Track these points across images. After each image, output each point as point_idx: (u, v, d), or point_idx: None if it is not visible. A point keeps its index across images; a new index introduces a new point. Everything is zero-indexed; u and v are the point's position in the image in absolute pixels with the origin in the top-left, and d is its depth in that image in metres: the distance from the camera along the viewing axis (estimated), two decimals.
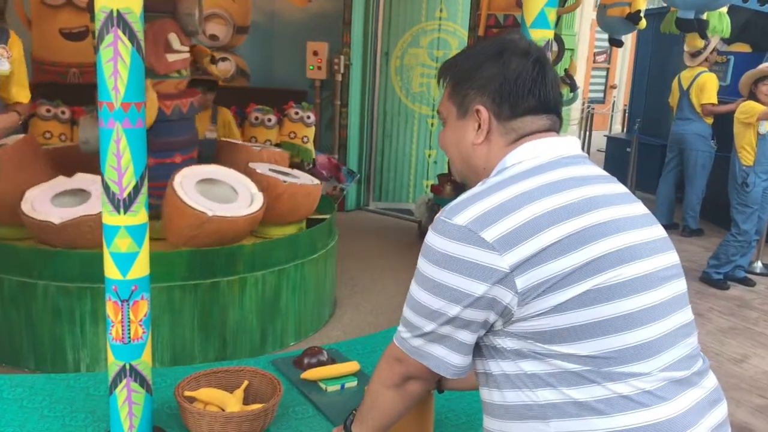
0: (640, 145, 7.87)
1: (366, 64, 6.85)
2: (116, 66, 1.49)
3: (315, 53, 6.48)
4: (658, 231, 1.26)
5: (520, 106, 1.26)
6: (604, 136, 10.99)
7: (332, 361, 2.23)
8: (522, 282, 1.11)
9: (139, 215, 1.59)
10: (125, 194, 1.56)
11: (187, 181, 3.23)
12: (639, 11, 3.37)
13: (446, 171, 6.53)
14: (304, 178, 3.81)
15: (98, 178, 3.31)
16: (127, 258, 1.60)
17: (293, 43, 6.50)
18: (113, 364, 1.66)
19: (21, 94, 3.36)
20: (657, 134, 8.48)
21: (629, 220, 1.21)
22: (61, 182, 3.33)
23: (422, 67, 6.96)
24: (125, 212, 1.57)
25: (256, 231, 3.46)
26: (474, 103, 1.29)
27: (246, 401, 1.87)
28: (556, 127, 1.29)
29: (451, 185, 5.38)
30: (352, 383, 2.08)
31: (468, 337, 1.19)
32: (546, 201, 1.15)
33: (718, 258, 5.28)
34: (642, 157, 7.91)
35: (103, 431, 1.80)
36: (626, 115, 11.98)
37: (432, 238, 1.18)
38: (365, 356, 2.31)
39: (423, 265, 1.20)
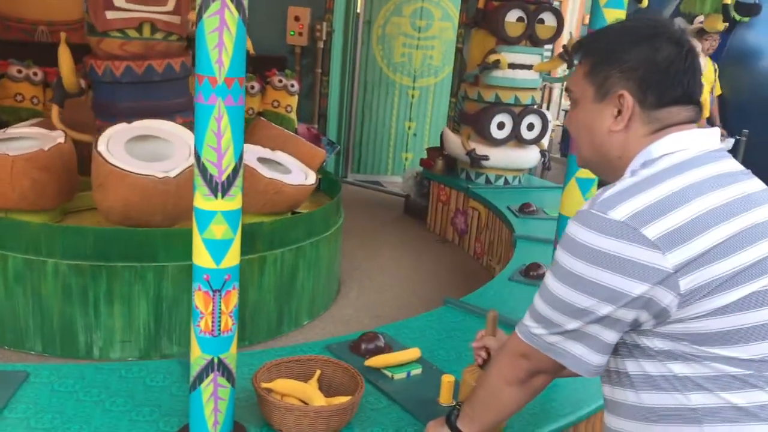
0: None
1: (348, 32, 6.67)
2: (221, 37, 1.35)
3: (297, 18, 6.26)
4: None
5: (667, 95, 1.19)
6: (563, 110, 11.08)
7: (389, 346, 2.16)
8: (686, 283, 1.05)
9: (236, 200, 1.48)
10: (224, 177, 1.44)
11: (114, 141, 3.04)
12: None
13: (437, 144, 6.47)
14: (297, 173, 3.56)
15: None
16: (222, 245, 1.49)
17: (272, 6, 6.26)
18: (200, 358, 1.55)
19: None
20: None
21: None
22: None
23: (404, 37, 6.82)
24: (223, 196, 1.45)
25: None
26: (617, 86, 1.21)
27: (322, 392, 1.78)
28: (698, 119, 1.23)
29: (443, 160, 5.32)
30: (417, 370, 2.03)
31: (613, 336, 1.14)
32: (708, 197, 1.10)
33: None
34: None
35: (175, 426, 1.69)
36: None
37: (579, 232, 1.11)
38: (416, 341, 2.26)
39: (566, 259, 1.13)
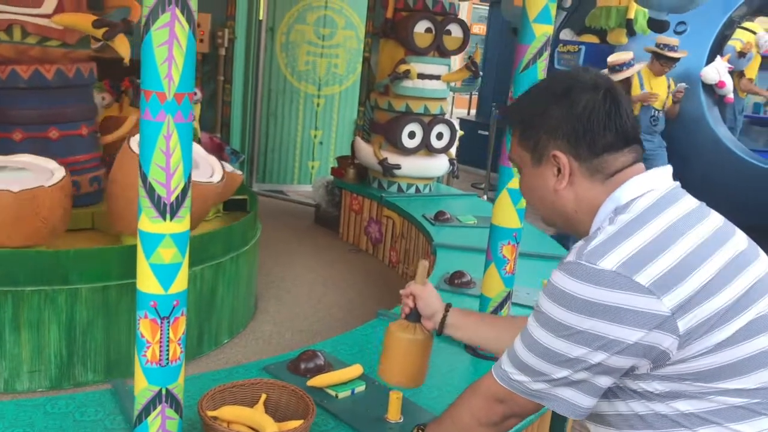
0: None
1: (250, 39, 6.54)
2: (171, 51, 1.28)
3: (197, 25, 6.06)
4: None
5: (599, 143, 1.20)
6: (457, 118, 11.36)
7: (329, 364, 2.12)
8: (684, 324, 1.07)
9: (185, 221, 1.40)
10: (173, 198, 1.36)
11: None
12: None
13: (343, 153, 6.45)
14: (204, 168, 3.32)
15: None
16: (170, 270, 1.41)
17: None
18: (146, 390, 1.46)
19: None
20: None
21: (752, 244, 1.21)
22: None
23: (308, 45, 6.77)
24: (172, 218, 1.37)
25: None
26: (548, 148, 1.24)
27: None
28: (640, 158, 1.25)
29: (355, 169, 5.31)
30: (361, 387, 2.00)
31: (606, 382, 1.14)
32: (688, 238, 1.12)
33: None
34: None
35: None
36: (473, 99, 12.49)
37: (568, 283, 1.11)
38: (355, 356, 2.23)
39: (555, 310, 1.13)
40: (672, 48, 5.42)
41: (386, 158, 4.90)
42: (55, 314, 2.65)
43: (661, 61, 5.48)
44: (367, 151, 5.06)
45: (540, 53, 2.09)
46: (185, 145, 1.35)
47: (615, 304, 1.07)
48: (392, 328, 1.69)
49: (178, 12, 1.27)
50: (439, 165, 5.14)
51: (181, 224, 1.39)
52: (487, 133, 8.26)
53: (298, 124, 6.94)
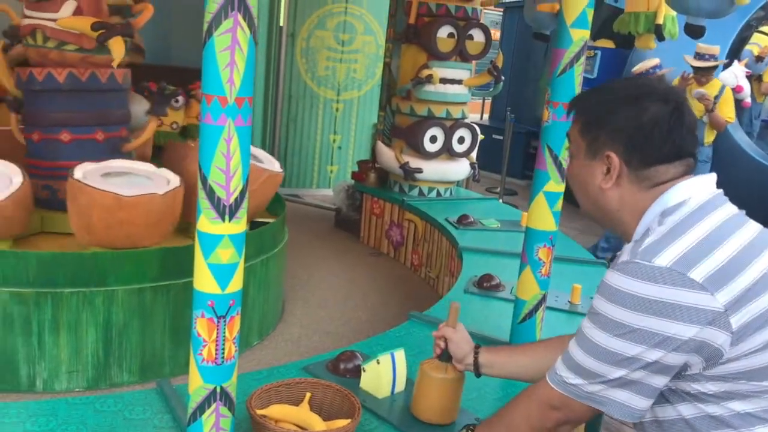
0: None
1: (271, 45, 6.60)
2: (233, 56, 1.32)
3: None
4: None
5: (653, 155, 1.24)
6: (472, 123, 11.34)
7: None
8: (736, 320, 1.09)
9: (242, 222, 1.44)
10: (232, 199, 1.39)
11: (91, 174, 2.95)
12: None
13: (362, 157, 6.48)
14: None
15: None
16: (227, 270, 1.44)
17: (196, 18, 6.09)
18: (201, 388, 1.49)
19: None
20: (519, 122, 8.79)
21: None
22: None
23: (328, 51, 6.82)
24: (230, 219, 1.40)
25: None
26: (605, 147, 1.27)
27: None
28: (690, 171, 1.27)
29: (376, 173, 5.34)
30: (400, 389, 2.02)
31: (661, 381, 1.16)
32: (737, 237, 1.16)
33: None
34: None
35: None
36: (486, 103, 12.49)
37: (623, 282, 1.14)
38: None
39: (610, 309, 1.15)
40: (702, 56, 5.35)
41: (407, 162, 4.93)
42: (92, 316, 2.69)
43: (697, 72, 5.38)
44: (388, 155, 5.09)
45: (577, 57, 2.11)
46: (244, 148, 1.38)
47: (670, 300, 1.10)
48: (425, 367, 1.78)
49: (240, 17, 1.30)
50: (461, 169, 5.16)
51: (239, 225, 1.42)
52: (501, 137, 8.28)
53: (317, 129, 6.99)
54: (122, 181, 3.01)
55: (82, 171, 2.93)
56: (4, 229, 2.89)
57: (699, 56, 5.37)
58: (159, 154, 3.92)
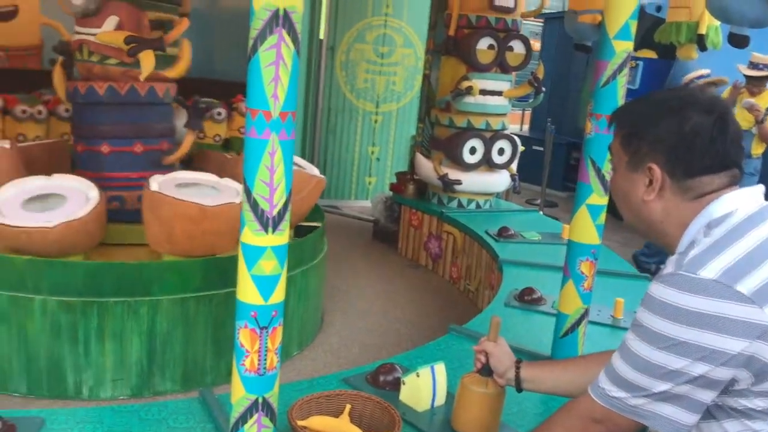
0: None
1: (311, 58, 6.68)
2: (278, 71, 1.34)
3: None
4: None
5: (696, 166, 1.22)
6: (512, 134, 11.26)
7: None
8: None
9: (285, 234, 1.45)
10: (275, 212, 1.41)
11: (165, 185, 3.02)
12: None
13: (400, 169, 6.49)
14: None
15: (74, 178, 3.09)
16: (270, 281, 1.46)
17: (237, 31, 6.20)
18: (244, 398, 1.50)
19: None
20: (560, 133, 8.68)
21: None
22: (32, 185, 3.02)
23: (367, 63, 6.87)
24: (273, 231, 1.42)
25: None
26: (647, 159, 1.25)
27: None
28: (736, 182, 1.25)
29: (414, 184, 5.34)
30: (440, 402, 2.01)
31: (708, 396, 1.14)
32: None
33: None
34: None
35: None
36: (525, 114, 12.40)
37: (668, 294, 1.12)
38: None
39: (655, 322, 1.13)
40: (756, 66, 5.21)
41: (447, 174, 4.92)
42: (137, 324, 2.75)
43: (749, 82, 5.27)
44: (427, 167, 5.09)
45: (620, 69, 2.09)
46: (288, 161, 1.40)
47: (716, 313, 1.07)
48: (465, 381, 1.78)
49: (284, 33, 1.32)
50: (500, 180, 5.13)
51: (281, 237, 1.44)
52: (541, 148, 8.20)
53: (355, 141, 7.03)
54: (194, 192, 3.06)
55: (157, 183, 3.00)
56: (85, 242, 2.95)
57: (753, 65, 5.26)
58: (188, 163, 3.95)
